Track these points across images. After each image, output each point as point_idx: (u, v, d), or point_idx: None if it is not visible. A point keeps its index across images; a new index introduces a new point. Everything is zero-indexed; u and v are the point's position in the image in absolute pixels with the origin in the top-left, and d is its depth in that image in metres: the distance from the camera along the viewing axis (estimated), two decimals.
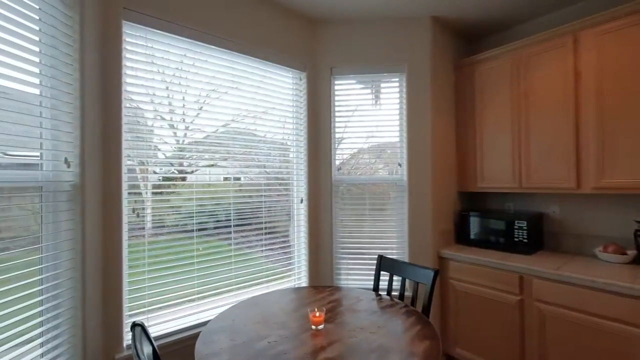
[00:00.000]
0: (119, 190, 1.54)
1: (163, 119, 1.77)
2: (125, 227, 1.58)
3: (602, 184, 1.86)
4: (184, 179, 1.85)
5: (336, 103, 2.44)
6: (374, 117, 2.42)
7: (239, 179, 2.12)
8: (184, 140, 1.89)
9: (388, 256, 2.09)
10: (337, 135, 2.45)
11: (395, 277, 2.15)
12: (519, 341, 1.92)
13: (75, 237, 1.35)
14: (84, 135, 1.38)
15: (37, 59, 1.29)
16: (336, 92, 2.44)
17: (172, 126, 1.83)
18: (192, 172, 1.89)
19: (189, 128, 1.88)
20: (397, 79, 2.41)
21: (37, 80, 1.30)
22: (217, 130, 1.98)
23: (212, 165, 1.97)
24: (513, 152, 2.24)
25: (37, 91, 1.32)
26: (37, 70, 1.31)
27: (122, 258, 1.54)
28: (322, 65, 2.43)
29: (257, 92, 2.13)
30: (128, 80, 1.61)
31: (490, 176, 2.37)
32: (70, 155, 1.34)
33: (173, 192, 1.81)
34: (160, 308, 1.70)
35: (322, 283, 2.40)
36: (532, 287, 1.89)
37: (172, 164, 1.80)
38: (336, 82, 2.44)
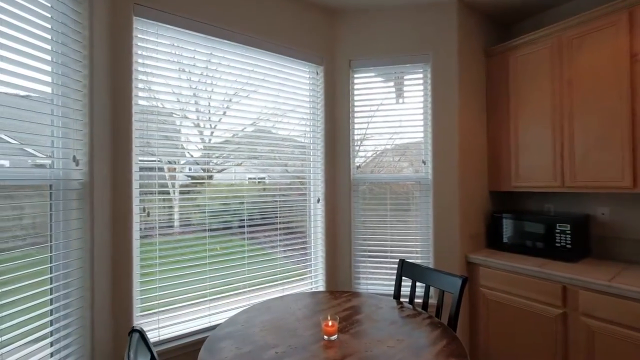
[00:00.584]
0: (129, 189, 1.52)
1: (173, 115, 1.73)
2: (136, 227, 1.55)
3: None
4: (208, 177, 1.82)
5: (355, 98, 2.31)
6: (396, 111, 2.27)
7: (254, 178, 2.06)
8: (209, 139, 1.86)
9: (410, 261, 1.93)
10: (356, 132, 2.32)
11: (418, 284, 1.99)
12: None
13: (84, 237, 1.34)
14: (93, 133, 1.36)
15: (49, 57, 1.29)
16: (355, 87, 2.31)
17: (195, 124, 1.79)
18: (208, 174, 1.85)
19: (205, 126, 1.83)
20: (421, 70, 2.24)
21: (49, 79, 1.30)
22: (235, 134, 1.93)
23: (238, 165, 1.93)
24: (554, 147, 2.00)
25: (49, 89, 1.31)
26: (49, 69, 1.31)
27: (132, 258, 1.52)
28: (340, 57, 2.31)
29: (270, 87, 2.05)
30: (141, 77, 1.59)
31: (527, 174, 2.14)
32: (79, 153, 1.33)
33: (189, 192, 1.77)
34: (172, 309, 1.67)
35: (340, 287, 2.28)
36: (577, 299, 1.66)
37: (172, 162, 1.77)
38: (355, 76, 2.31)
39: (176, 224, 1.71)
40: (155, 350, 1.48)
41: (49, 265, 1.26)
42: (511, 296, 1.92)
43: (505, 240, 2.20)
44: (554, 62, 2.00)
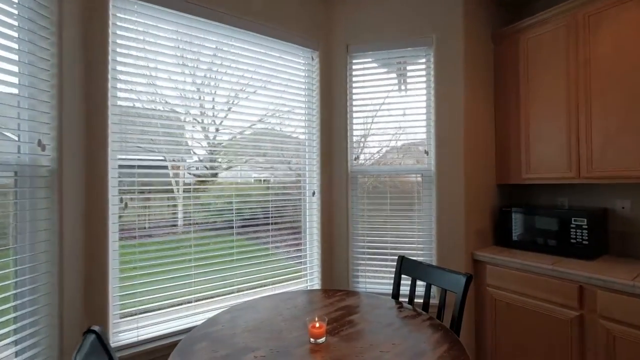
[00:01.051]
0: (104, 179, 1.41)
1: (154, 101, 1.62)
2: (114, 225, 1.45)
3: None
4: (205, 175, 1.71)
5: (354, 85, 2.18)
6: (397, 98, 2.12)
7: (257, 178, 1.95)
8: (213, 134, 1.74)
9: (411, 257, 1.79)
10: (354, 122, 2.18)
11: (419, 283, 1.85)
12: None
13: (52, 228, 1.24)
14: (62, 117, 1.26)
15: (15, 34, 1.19)
16: (354, 73, 2.18)
17: (178, 114, 1.68)
18: (213, 172, 1.74)
19: (186, 119, 1.72)
20: (423, 54, 2.09)
21: (15, 57, 1.20)
22: (219, 125, 1.81)
23: (228, 162, 1.81)
24: (569, 135, 1.84)
25: (15, 69, 1.22)
26: (16, 46, 1.21)
27: (107, 254, 1.41)
28: (337, 42, 2.18)
29: (262, 72, 1.93)
30: (119, 58, 1.48)
31: (539, 165, 1.98)
32: (46, 138, 1.23)
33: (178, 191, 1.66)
34: (155, 310, 1.56)
35: (337, 286, 2.15)
36: (596, 300, 1.50)
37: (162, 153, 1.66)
38: (354, 62, 2.18)
39: (160, 223, 1.61)
40: (125, 353, 1.39)
41: (13, 257, 1.16)
42: (521, 297, 1.77)
43: (514, 236, 2.05)
44: (570, 42, 1.83)
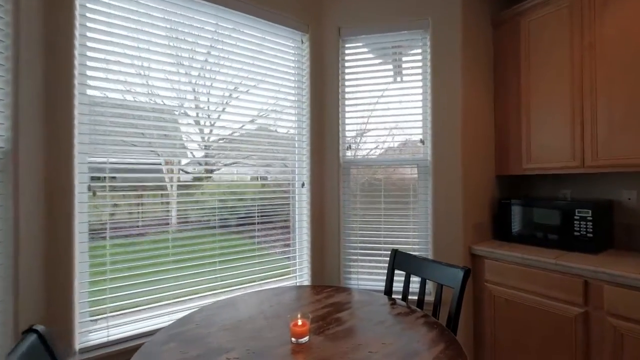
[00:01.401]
0: (68, 164, 1.28)
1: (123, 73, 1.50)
2: (79, 208, 1.32)
3: None
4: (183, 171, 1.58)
5: (347, 71, 2.06)
6: (391, 84, 2.01)
7: (252, 175, 1.83)
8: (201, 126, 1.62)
9: (406, 252, 1.69)
10: (347, 109, 2.07)
11: (413, 278, 1.75)
12: None
13: (5, 216, 1.11)
14: (19, 93, 1.13)
15: None
16: (347, 59, 2.06)
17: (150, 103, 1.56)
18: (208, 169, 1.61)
19: (153, 107, 1.60)
20: (419, 37, 1.98)
21: None
22: (201, 113, 1.69)
23: (212, 157, 1.69)
24: (573, 122, 1.74)
25: None
26: None
27: (72, 248, 1.28)
28: (328, 25, 2.06)
29: (248, 54, 1.81)
30: (89, 34, 1.36)
31: (541, 155, 1.88)
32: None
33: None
34: (127, 311, 1.44)
35: (329, 283, 2.04)
36: (602, 296, 1.40)
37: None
38: (347, 46, 2.06)
39: (138, 223, 1.49)
40: (94, 354, 1.27)
41: None
42: (522, 293, 1.67)
43: (514, 230, 1.94)
44: (575, 24, 1.73)
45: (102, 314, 1.38)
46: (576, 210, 1.68)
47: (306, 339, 1.03)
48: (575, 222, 1.68)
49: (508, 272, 1.73)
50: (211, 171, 1.75)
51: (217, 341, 1.04)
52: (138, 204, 1.50)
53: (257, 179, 1.92)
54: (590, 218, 1.63)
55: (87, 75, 1.35)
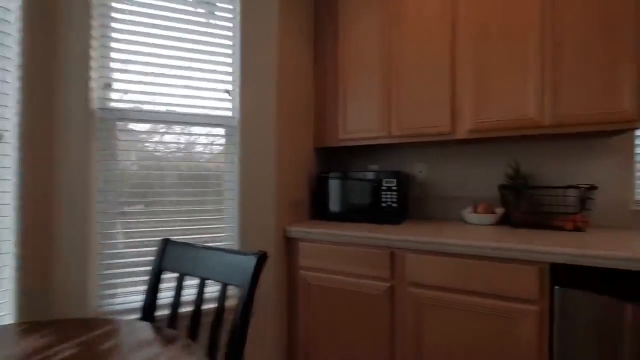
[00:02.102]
0: None
1: None
2: None
3: (478, 125, 1.46)
4: None
5: None
6: (183, 19, 1.41)
7: None
8: None
9: (183, 242, 1.13)
10: (109, 34, 1.31)
11: (190, 281, 1.23)
12: (389, 349, 1.32)
13: None
14: None
15: None
16: None
17: None
18: None
19: None
20: None
21: None
22: None
23: None
24: (383, 92, 1.67)
25: None
26: None
27: None
28: None
29: None
30: None
31: (356, 126, 1.75)
32: None
33: None
34: None
35: (77, 310, 1.22)
36: (404, 266, 1.31)
37: None
38: None
39: None
40: None
41: None
42: (335, 275, 1.44)
43: (331, 207, 1.75)
44: None
45: None
46: (384, 180, 1.61)
47: None
48: (382, 192, 1.61)
49: (322, 253, 1.47)
50: None
51: None
52: None
53: None
54: (395, 187, 1.58)
55: None
